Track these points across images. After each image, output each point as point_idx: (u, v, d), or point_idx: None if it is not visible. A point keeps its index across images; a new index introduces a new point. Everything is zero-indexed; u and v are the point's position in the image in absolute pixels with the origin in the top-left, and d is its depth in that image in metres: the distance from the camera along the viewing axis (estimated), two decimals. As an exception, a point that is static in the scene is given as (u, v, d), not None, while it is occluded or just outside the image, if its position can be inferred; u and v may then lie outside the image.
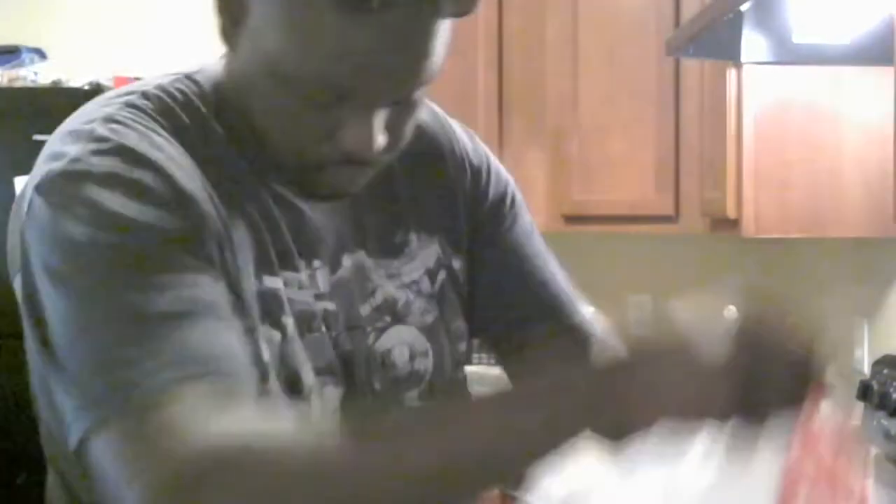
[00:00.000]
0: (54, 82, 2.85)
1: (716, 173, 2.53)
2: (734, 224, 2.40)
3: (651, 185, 2.89)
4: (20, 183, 2.65)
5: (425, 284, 1.09)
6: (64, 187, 0.89)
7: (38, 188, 0.90)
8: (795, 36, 2.00)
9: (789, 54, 2.13)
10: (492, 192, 1.16)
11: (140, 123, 0.93)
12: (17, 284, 0.92)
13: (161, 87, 0.99)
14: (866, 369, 2.41)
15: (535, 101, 3.00)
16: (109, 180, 0.88)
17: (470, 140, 1.17)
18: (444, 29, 0.91)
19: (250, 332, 0.92)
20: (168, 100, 0.97)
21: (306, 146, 0.93)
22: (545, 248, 1.24)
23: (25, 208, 0.90)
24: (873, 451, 2.27)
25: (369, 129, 0.91)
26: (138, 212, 0.87)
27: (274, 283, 0.96)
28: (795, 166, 2.31)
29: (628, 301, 3.38)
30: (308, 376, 0.97)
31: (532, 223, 1.23)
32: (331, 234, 1.02)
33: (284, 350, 0.96)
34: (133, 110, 0.95)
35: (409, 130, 0.97)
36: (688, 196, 2.85)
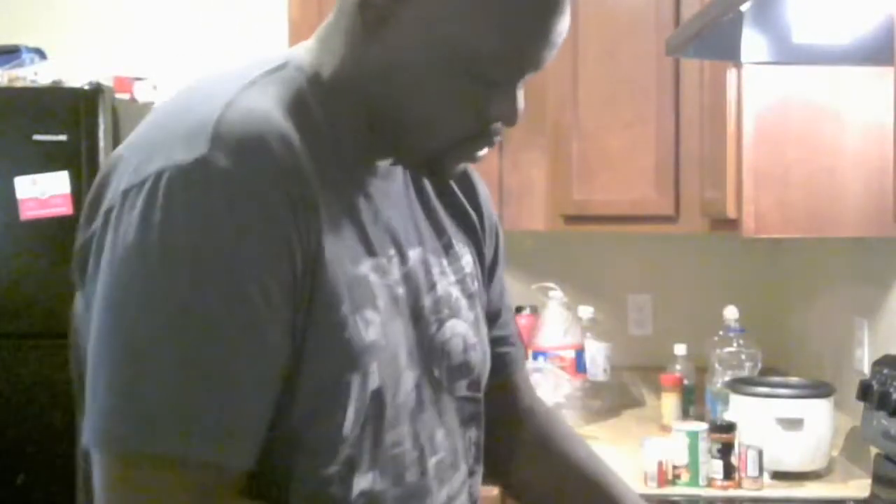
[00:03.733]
0: (54, 82, 2.84)
1: (716, 173, 2.53)
2: (734, 224, 2.40)
3: (651, 185, 2.89)
4: (20, 183, 2.66)
5: (467, 285, 1.18)
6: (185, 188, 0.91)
7: (169, 181, 0.91)
8: (795, 36, 1.99)
9: (789, 54, 2.12)
10: (496, 220, 1.28)
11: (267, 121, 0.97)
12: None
13: (272, 77, 1.02)
14: (866, 369, 2.41)
15: (535, 101, 2.98)
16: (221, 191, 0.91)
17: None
18: None
19: (351, 315, 0.98)
20: (285, 92, 1.01)
21: (454, 123, 1.01)
22: None
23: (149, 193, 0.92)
24: (873, 451, 2.27)
25: (516, 99, 1.02)
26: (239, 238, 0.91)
27: (368, 268, 1.02)
28: (795, 166, 2.31)
29: (628, 301, 3.39)
30: (403, 356, 1.05)
31: None
32: (398, 229, 1.09)
33: (387, 330, 1.02)
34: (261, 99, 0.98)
35: None
36: (688, 196, 2.85)
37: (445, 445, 1.11)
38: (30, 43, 3.13)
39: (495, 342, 1.26)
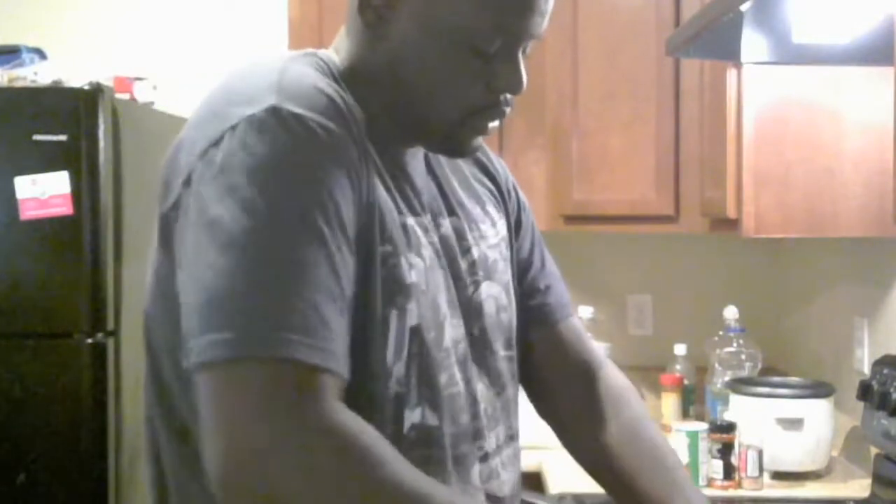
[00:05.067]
0: (54, 82, 2.84)
1: (716, 173, 2.53)
2: (734, 224, 2.40)
3: (651, 185, 2.89)
4: (20, 183, 2.66)
5: (503, 249, 1.26)
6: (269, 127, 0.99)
7: (244, 129, 0.98)
8: (795, 36, 1.99)
9: (789, 54, 2.12)
10: (512, 178, 1.35)
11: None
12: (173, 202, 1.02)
13: (307, 59, 1.11)
14: (866, 369, 2.41)
15: (535, 101, 3.00)
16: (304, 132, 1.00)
17: None
18: None
19: (395, 256, 1.06)
20: (321, 71, 1.10)
21: (464, 97, 1.10)
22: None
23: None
24: (873, 451, 2.27)
25: (519, 69, 1.11)
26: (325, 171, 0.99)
27: (414, 222, 1.12)
28: (795, 166, 2.31)
29: (628, 301, 3.39)
30: (444, 303, 1.13)
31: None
32: (430, 200, 1.18)
33: (429, 276, 1.11)
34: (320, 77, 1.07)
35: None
36: (688, 196, 2.85)
37: (488, 397, 1.18)
38: (30, 43, 3.12)
39: (530, 294, 1.32)
